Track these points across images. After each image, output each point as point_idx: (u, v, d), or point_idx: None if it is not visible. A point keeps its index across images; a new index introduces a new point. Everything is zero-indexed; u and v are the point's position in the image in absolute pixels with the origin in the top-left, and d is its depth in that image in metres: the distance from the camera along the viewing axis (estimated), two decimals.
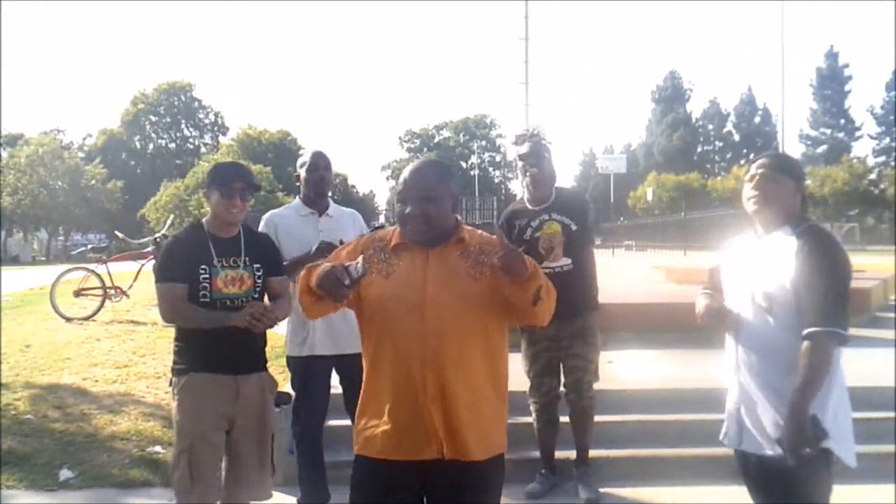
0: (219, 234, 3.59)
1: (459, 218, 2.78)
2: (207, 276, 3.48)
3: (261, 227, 4.41)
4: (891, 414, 5.38)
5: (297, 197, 4.64)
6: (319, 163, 4.55)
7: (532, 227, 4.66)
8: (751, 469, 2.96)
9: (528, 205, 4.76)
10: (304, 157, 4.63)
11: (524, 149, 4.71)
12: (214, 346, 3.48)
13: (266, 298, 3.68)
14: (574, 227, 4.61)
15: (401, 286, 2.59)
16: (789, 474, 2.70)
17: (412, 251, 2.65)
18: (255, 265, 3.61)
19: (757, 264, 2.91)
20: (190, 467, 3.44)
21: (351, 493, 2.67)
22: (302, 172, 4.55)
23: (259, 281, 3.60)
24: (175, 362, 3.61)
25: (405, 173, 2.68)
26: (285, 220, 4.47)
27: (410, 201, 2.61)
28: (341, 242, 4.16)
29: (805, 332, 2.67)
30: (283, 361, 4.84)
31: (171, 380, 3.63)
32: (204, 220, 3.71)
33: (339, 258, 2.68)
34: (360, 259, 2.49)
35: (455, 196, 2.74)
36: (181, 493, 3.49)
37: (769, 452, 2.79)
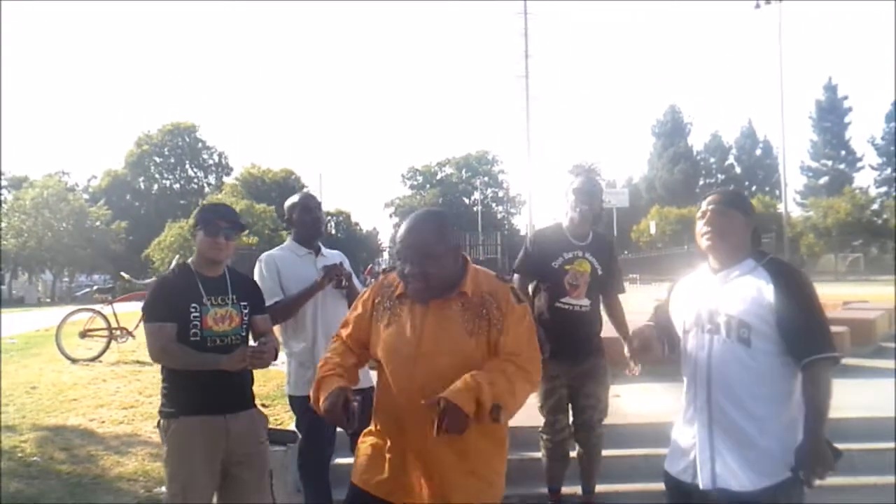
0: (206, 274, 3.63)
1: (469, 260, 2.78)
2: (198, 314, 3.50)
3: (261, 267, 4.46)
4: (891, 444, 5.34)
5: (290, 238, 4.69)
6: (311, 204, 4.63)
7: (564, 257, 4.64)
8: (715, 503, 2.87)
9: (568, 236, 4.71)
10: (294, 199, 4.68)
11: (578, 183, 4.67)
12: (201, 388, 3.48)
13: (251, 337, 3.74)
14: (600, 272, 4.67)
15: (397, 338, 2.66)
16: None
17: (414, 301, 2.70)
18: (243, 303, 3.65)
19: (724, 297, 2.93)
20: None
21: None
22: (295, 215, 4.61)
23: (246, 319, 3.65)
24: (163, 405, 3.61)
25: (403, 230, 2.69)
26: (285, 260, 4.50)
27: (410, 260, 2.62)
28: (341, 264, 4.26)
29: (806, 360, 2.73)
30: (287, 401, 4.83)
31: (159, 422, 3.64)
32: (190, 260, 3.74)
33: (359, 306, 2.86)
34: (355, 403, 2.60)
35: (456, 248, 2.73)
36: None
37: (750, 488, 2.76)
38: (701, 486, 2.86)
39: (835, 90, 65.58)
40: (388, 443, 2.67)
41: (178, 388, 3.53)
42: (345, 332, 2.89)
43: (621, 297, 4.94)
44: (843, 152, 65.39)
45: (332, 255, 4.70)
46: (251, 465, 3.62)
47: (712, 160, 72.62)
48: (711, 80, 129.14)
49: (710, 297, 2.98)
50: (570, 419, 4.77)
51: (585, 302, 4.63)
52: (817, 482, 2.68)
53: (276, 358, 3.68)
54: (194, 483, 3.47)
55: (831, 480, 2.76)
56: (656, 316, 3.29)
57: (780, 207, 49.34)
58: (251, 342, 3.72)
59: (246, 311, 3.65)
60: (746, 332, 2.82)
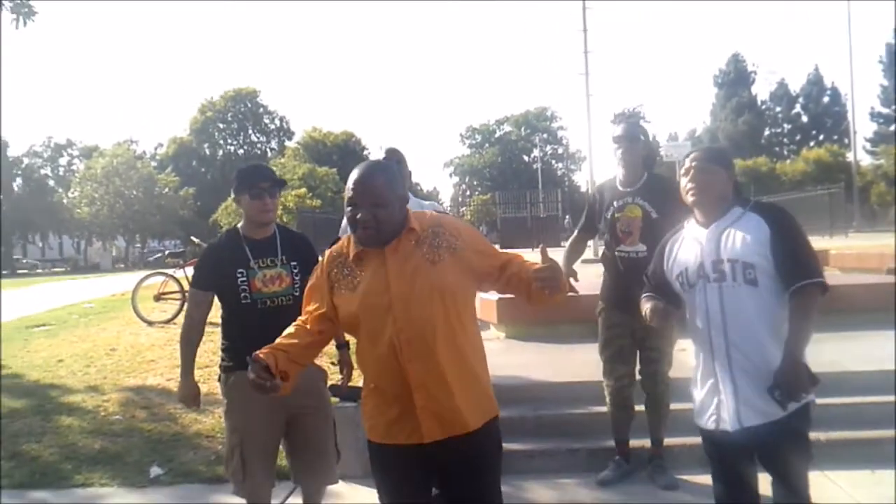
0: (254, 236, 3.67)
1: (409, 209, 2.82)
2: (245, 278, 3.57)
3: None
4: None
5: None
6: (392, 158, 4.55)
7: (614, 206, 4.65)
8: (751, 441, 3.01)
9: (617, 184, 4.72)
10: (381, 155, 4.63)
11: (618, 130, 4.67)
12: (261, 343, 3.54)
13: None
14: (654, 215, 4.53)
15: (368, 293, 2.68)
16: (788, 433, 2.94)
17: (370, 256, 2.73)
18: (293, 263, 3.69)
19: (724, 245, 3.06)
20: (243, 462, 3.59)
21: (372, 472, 2.88)
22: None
23: (297, 279, 3.64)
24: (222, 359, 3.74)
25: (351, 178, 2.72)
26: None
27: (360, 208, 2.66)
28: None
29: (795, 286, 2.90)
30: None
31: (219, 376, 3.77)
32: (238, 224, 3.79)
33: (312, 290, 2.84)
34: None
35: (403, 198, 2.78)
36: (235, 484, 3.68)
37: (771, 419, 2.92)
38: (730, 430, 3.01)
39: None
40: (390, 393, 2.71)
41: (237, 343, 3.59)
42: (305, 313, 2.88)
43: None
44: None
45: (418, 206, 4.52)
46: (315, 415, 3.74)
47: (778, 109, 70.57)
48: (775, 26, 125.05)
49: (709, 248, 3.10)
50: (636, 370, 4.77)
51: (641, 248, 4.56)
52: (792, 404, 2.85)
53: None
54: (254, 435, 3.59)
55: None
56: (651, 281, 3.41)
57: (849, 156, 47.87)
58: None
59: (296, 270, 3.66)
60: (752, 273, 2.97)
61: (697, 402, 3.21)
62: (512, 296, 2.88)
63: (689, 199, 3.17)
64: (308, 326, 2.81)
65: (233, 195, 3.74)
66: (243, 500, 3.71)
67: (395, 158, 4.60)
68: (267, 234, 3.70)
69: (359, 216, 2.66)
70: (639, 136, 4.68)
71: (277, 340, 2.80)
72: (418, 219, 2.79)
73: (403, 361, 2.63)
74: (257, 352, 2.71)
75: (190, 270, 11.11)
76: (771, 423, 2.93)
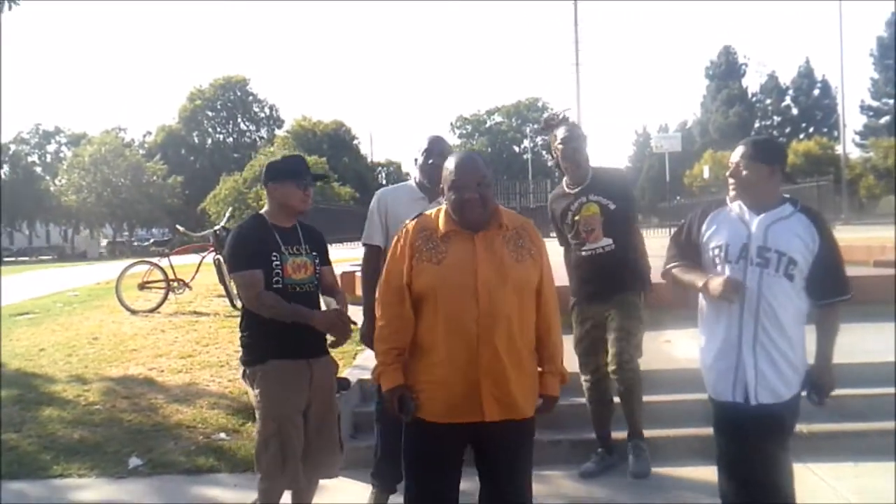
0: (280, 224, 3.72)
1: (497, 203, 3.03)
2: (279, 262, 3.61)
3: (373, 203, 4.37)
4: None
5: (414, 179, 4.44)
6: (434, 150, 4.29)
7: (572, 210, 4.70)
8: (751, 419, 3.20)
9: (566, 188, 4.80)
10: (424, 144, 4.37)
11: (562, 133, 4.73)
12: (288, 333, 3.57)
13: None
14: (612, 207, 4.61)
15: (453, 271, 2.86)
16: (787, 414, 3.22)
17: (460, 237, 2.92)
18: (314, 253, 3.77)
19: (773, 235, 3.20)
20: (281, 451, 3.54)
21: (406, 451, 3.03)
22: (419, 157, 4.34)
23: (317, 269, 3.76)
24: (248, 352, 3.70)
25: (454, 164, 2.95)
26: (396, 203, 4.27)
27: (468, 188, 2.87)
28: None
29: (834, 300, 3.21)
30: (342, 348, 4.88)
31: (244, 371, 3.72)
32: (263, 211, 3.82)
33: (395, 261, 2.99)
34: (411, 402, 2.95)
35: (493, 184, 3.04)
36: (271, 478, 3.58)
37: (783, 399, 3.18)
38: (744, 403, 3.21)
39: None
40: (458, 371, 2.85)
41: (265, 334, 3.61)
42: (395, 284, 2.98)
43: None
44: None
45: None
46: (328, 407, 3.76)
47: (768, 101, 70.60)
48: (767, 19, 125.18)
49: (758, 234, 3.23)
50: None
51: (606, 241, 4.61)
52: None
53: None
54: (289, 423, 3.57)
55: None
56: (681, 251, 3.48)
57: (839, 149, 47.99)
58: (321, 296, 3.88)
59: (317, 261, 3.76)
60: (793, 269, 3.15)
61: (714, 372, 3.35)
62: None
63: (732, 195, 3.34)
64: (405, 312, 2.95)
65: (267, 182, 3.76)
66: (234, 494, 3.66)
67: (437, 151, 4.27)
68: (291, 223, 3.77)
69: (466, 196, 2.87)
70: (581, 137, 4.74)
71: (396, 343, 2.98)
72: (507, 216, 3.01)
73: (480, 344, 2.81)
74: (393, 364, 2.97)
75: (175, 259, 11.11)
76: (780, 404, 3.18)
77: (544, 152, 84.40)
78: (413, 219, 3.07)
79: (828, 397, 3.25)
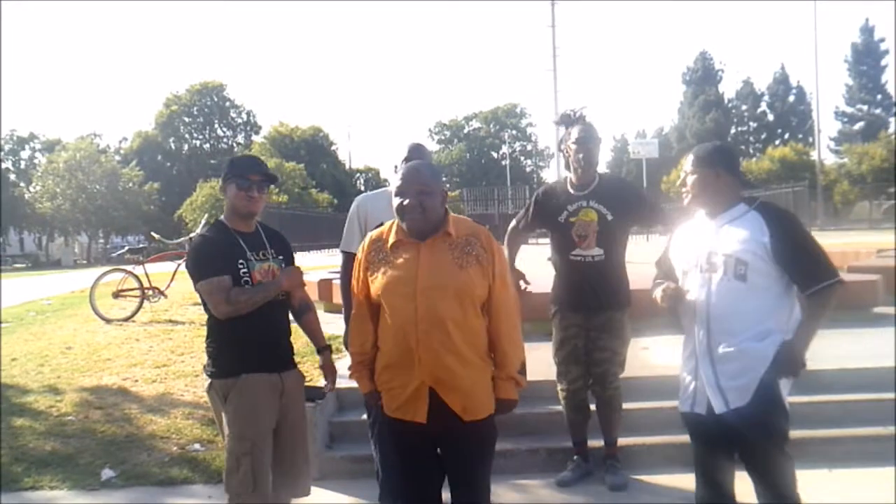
0: (242, 230, 3.60)
1: (449, 210, 3.15)
2: (246, 269, 3.49)
3: (352, 209, 4.40)
4: None
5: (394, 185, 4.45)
6: (413, 158, 4.23)
7: (568, 210, 4.60)
8: (722, 429, 3.26)
9: (568, 187, 4.68)
10: (407, 149, 4.35)
11: (577, 132, 4.61)
12: (260, 346, 3.49)
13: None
14: (610, 217, 4.52)
15: (397, 278, 3.01)
16: (744, 423, 3.19)
17: (407, 246, 3.05)
18: (280, 257, 3.66)
19: (721, 239, 3.26)
20: (253, 471, 3.41)
21: (377, 445, 3.25)
22: (399, 165, 4.28)
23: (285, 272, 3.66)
24: (215, 364, 3.55)
25: (402, 171, 3.09)
26: (375, 209, 4.31)
27: (409, 195, 2.99)
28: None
29: (814, 289, 3.14)
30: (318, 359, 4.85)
31: (210, 383, 3.56)
32: (223, 217, 3.69)
33: (359, 269, 3.18)
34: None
35: (444, 192, 3.13)
36: (241, 496, 3.43)
37: (734, 406, 3.21)
38: (703, 413, 3.30)
39: (871, 32, 63.72)
40: (403, 374, 3.00)
41: (237, 347, 3.48)
42: (360, 298, 3.19)
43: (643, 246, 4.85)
44: (880, 97, 63.71)
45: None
46: (299, 422, 3.66)
47: (744, 107, 71.22)
48: (743, 26, 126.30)
49: (707, 240, 3.30)
50: (587, 370, 4.72)
51: (597, 251, 4.54)
52: (785, 381, 3.20)
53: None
54: (263, 439, 3.46)
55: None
56: (661, 268, 3.61)
57: (814, 155, 48.43)
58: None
59: (283, 265, 3.65)
60: (743, 269, 3.17)
61: (681, 385, 3.46)
62: None
63: (685, 201, 3.40)
64: (363, 320, 3.16)
65: (220, 183, 3.69)
66: None
67: (415, 157, 4.23)
68: (252, 228, 3.66)
69: (405, 202, 2.99)
70: (598, 137, 4.65)
71: (358, 350, 3.21)
72: (455, 224, 3.10)
73: (419, 348, 2.93)
74: (368, 387, 3.18)
75: (150, 267, 11.02)
76: (733, 411, 3.20)
77: (522, 158, 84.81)
78: (370, 232, 3.24)
79: (784, 375, 3.20)
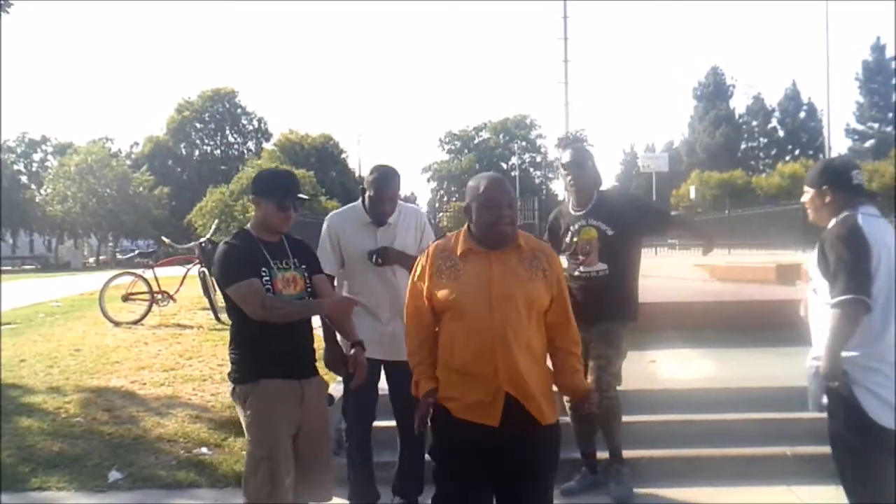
0: (266, 239, 3.64)
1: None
2: (269, 277, 3.52)
3: (324, 230, 4.47)
4: None
5: (361, 200, 4.52)
6: (384, 196, 4.38)
7: (572, 230, 4.77)
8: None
9: (570, 208, 4.86)
10: (373, 175, 4.43)
11: (566, 157, 4.79)
12: (280, 353, 3.51)
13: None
14: (610, 233, 4.64)
15: (471, 286, 3.07)
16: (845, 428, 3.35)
17: (476, 255, 3.13)
18: (303, 266, 3.69)
19: (813, 256, 3.51)
20: (271, 475, 3.44)
21: (438, 441, 3.19)
22: (368, 192, 4.42)
23: (308, 282, 3.68)
24: (237, 370, 3.60)
25: (486, 184, 3.14)
26: (346, 229, 4.46)
27: (502, 208, 3.08)
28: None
29: (832, 301, 3.26)
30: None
31: (233, 388, 3.62)
32: (249, 225, 3.75)
33: (420, 277, 3.21)
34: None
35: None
36: (258, 500, 3.47)
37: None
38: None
39: (883, 50, 63.57)
40: (479, 378, 3.01)
41: (258, 354, 3.52)
42: (421, 304, 3.21)
43: (654, 261, 4.88)
44: (891, 115, 63.32)
45: (401, 219, 4.50)
46: (319, 429, 3.68)
47: (755, 123, 71.13)
48: (755, 41, 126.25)
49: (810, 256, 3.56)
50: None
51: (601, 266, 4.66)
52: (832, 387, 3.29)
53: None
54: (282, 445, 3.49)
55: None
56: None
57: None
58: None
59: (307, 273, 3.68)
60: (812, 283, 3.46)
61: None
62: None
63: (810, 218, 3.67)
64: (426, 327, 3.20)
65: (253, 195, 3.72)
66: None
67: (385, 197, 4.41)
68: (277, 238, 3.69)
69: (501, 213, 3.08)
70: (587, 161, 4.80)
71: (420, 356, 3.21)
72: (524, 238, 3.20)
73: (496, 356, 2.98)
74: (426, 375, 3.16)
75: (160, 271, 11.06)
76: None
77: (532, 169, 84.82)
78: (435, 241, 3.37)
79: (830, 387, 3.31)
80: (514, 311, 3.02)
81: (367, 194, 4.44)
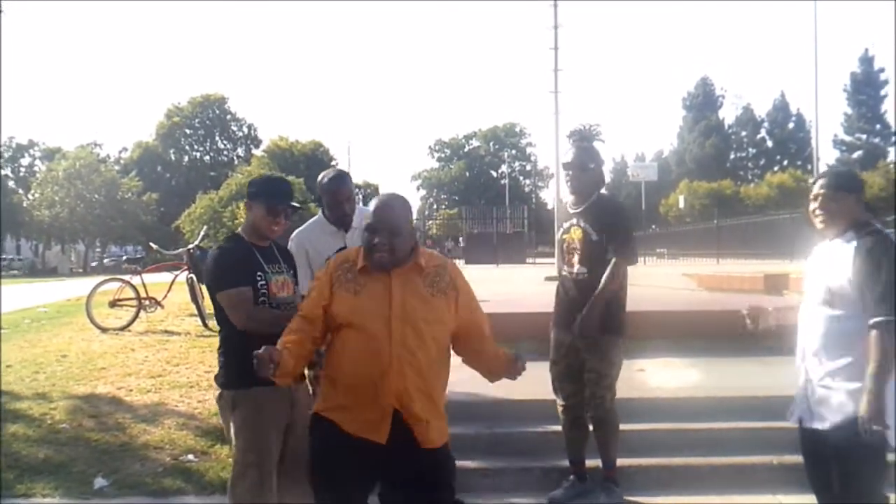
0: (258, 243, 3.67)
1: (418, 243, 3.25)
2: (264, 281, 3.55)
3: (292, 247, 4.34)
4: None
5: (321, 211, 4.59)
6: (340, 197, 4.44)
7: (563, 227, 4.77)
8: (814, 444, 3.39)
9: (568, 206, 4.83)
10: (325, 180, 4.48)
11: (568, 155, 4.71)
12: None
13: None
14: (594, 238, 4.56)
15: (370, 301, 3.04)
16: (850, 447, 3.14)
17: (377, 272, 3.08)
18: (291, 271, 3.75)
19: (823, 265, 3.36)
20: (260, 480, 3.47)
21: (315, 453, 3.15)
22: (324, 199, 4.48)
23: (296, 286, 3.74)
24: (228, 375, 3.60)
25: (373, 207, 3.14)
26: (314, 241, 4.44)
27: (379, 234, 3.04)
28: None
29: (871, 322, 3.10)
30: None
31: (220, 393, 3.63)
32: (240, 230, 3.77)
33: (315, 288, 3.18)
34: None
35: (413, 230, 3.25)
36: None
37: (828, 426, 3.25)
38: (802, 425, 3.45)
39: (871, 62, 64.06)
40: (367, 395, 2.99)
41: (248, 359, 3.34)
42: (307, 312, 3.17)
43: (635, 268, 4.79)
44: (878, 126, 63.91)
45: (360, 214, 4.47)
46: (306, 434, 3.66)
47: (744, 133, 71.54)
48: (744, 52, 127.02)
49: (814, 265, 3.43)
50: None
51: (580, 269, 4.59)
52: (875, 430, 3.05)
53: None
54: (270, 451, 3.51)
55: None
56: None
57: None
58: None
59: (294, 279, 3.75)
60: (829, 296, 3.27)
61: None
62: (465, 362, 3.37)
63: (818, 224, 3.42)
64: (313, 327, 3.13)
65: (247, 199, 3.75)
66: None
67: (342, 197, 4.47)
68: (267, 243, 3.72)
69: (375, 241, 3.03)
70: (588, 163, 4.67)
71: (292, 339, 3.09)
72: (425, 256, 3.18)
73: (392, 372, 2.96)
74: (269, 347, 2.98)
75: (147, 277, 11.02)
76: (826, 430, 3.29)
77: (521, 178, 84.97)
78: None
79: (874, 430, 3.06)
80: (412, 331, 3.00)
81: (324, 201, 4.49)
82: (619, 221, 4.67)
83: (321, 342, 3.22)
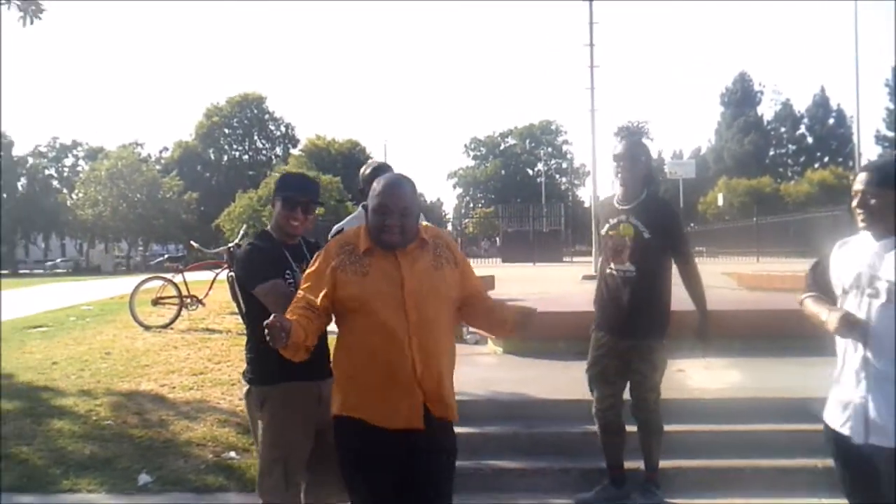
0: (286, 241, 3.67)
1: (422, 220, 3.26)
2: (292, 279, 3.54)
3: (333, 231, 4.43)
4: None
5: (363, 206, 4.59)
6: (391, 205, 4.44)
7: (609, 223, 4.62)
8: (868, 463, 3.01)
9: (615, 201, 4.68)
10: (368, 171, 4.49)
11: (619, 148, 4.63)
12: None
13: None
14: (647, 235, 4.46)
15: (380, 282, 2.97)
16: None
17: (381, 252, 3.03)
18: None
19: (886, 263, 3.01)
20: (284, 477, 3.49)
21: (347, 454, 3.07)
22: (371, 192, 4.48)
23: None
24: (255, 371, 3.62)
25: (382, 187, 3.06)
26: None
27: (390, 216, 2.99)
28: None
29: None
30: None
31: (248, 389, 3.65)
32: (269, 227, 3.78)
33: (314, 274, 3.08)
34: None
35: (420, 207, 3.21)
36: (272, 500, 3.52)
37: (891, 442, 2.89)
38: (854, 441, 3.02)
39: None
40: (388, 380, 2.93)
41: (275, 355, 3.33)
42: (311, 297, 3.06)
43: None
44: None
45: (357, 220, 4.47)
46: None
47: (783, 130, 70.53)
48: (783, 47, 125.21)
49: (873, 262, 3.07)
50: (624, 391, 4.66)
51: (630, 268, 4.49)
52: None
53: None
54: (297, 448, 3.52)
55: None
56: (816, 281, 3.35)
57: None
58: None
59: None
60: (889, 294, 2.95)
61: (832, 399, 3.22)
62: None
63: (860, 224, 3.15)
64: (318, 305, 3.00)
65: (269, 196, 3.76)
66: None
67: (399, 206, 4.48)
68: (296, 241, 3.73)
69: (387, 222, 2.99)
70: (639, 155, 4.61)
71: (300, 313, 2.98)
72: (426, 231, 3.15)
73: (413, 353, 2.91)
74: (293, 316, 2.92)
75: (189, 275, 11.15)
76: (889, 448, 2.91)
77: (557, 175, 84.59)
78: (333, 236, 3.16)
79: None
80: (425, 308, 2.96)
81: (368, 193, 4.48)
82: (678, 223, 4.67)
83: (326, 326, 3.15)
